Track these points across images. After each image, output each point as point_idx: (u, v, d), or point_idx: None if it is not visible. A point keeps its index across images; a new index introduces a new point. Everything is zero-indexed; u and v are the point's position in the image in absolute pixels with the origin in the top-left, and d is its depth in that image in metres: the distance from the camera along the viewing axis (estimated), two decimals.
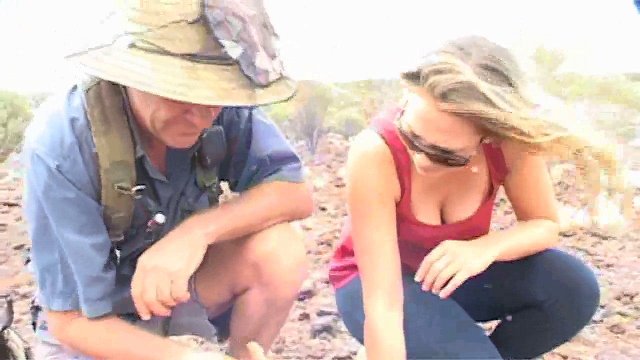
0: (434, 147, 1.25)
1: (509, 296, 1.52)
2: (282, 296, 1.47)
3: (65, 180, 1.18)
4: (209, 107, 1.13)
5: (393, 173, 1.44)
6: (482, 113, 1.15)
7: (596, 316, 2.51)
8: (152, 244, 1.34)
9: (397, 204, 1.50)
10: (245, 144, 1.46)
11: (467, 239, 1.54)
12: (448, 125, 1.20)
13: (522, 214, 1.58)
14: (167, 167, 1.38)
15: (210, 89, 0.98)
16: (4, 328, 1.81)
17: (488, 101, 1.15)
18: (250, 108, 1.10)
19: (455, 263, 1.35)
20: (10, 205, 5.66)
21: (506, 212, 4.80)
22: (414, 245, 1.56)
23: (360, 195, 1.45)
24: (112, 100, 1.23)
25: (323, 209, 5.02)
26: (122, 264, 1.37)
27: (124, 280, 1.36)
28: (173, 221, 1.44)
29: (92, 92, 1.22)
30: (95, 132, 1.21)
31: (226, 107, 1.39)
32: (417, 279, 1.39)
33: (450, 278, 1.34)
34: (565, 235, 4.05)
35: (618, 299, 2.81)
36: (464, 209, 1.54)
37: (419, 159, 1.31)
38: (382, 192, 1.44)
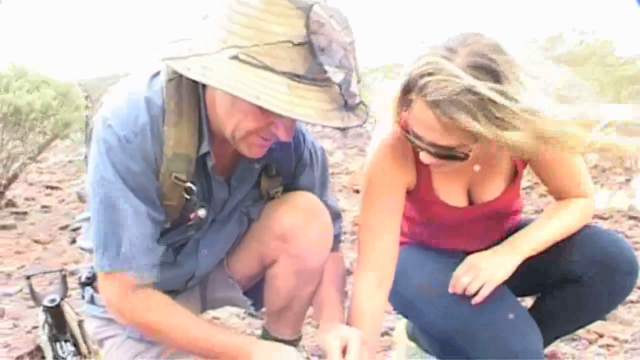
0: (433, 145, 1.31)
1: (548, 271, 1.54)
2: (310, 267, 1.52)
3: (132, 152, 1.24)
4: (293, 123, 1.21)
5: (408, 161, 1.49)
6: (466, 126, 1.20)
7: (633, 296, 2.51)
8: (192, 235, 1.44)
9: (418, 189, 1.56)
10: (310, 170, 1.56)
11: (495, 221, 1.57)
12: (442, 125, 1.25)
13: (556, 195, 1.60)
14: (235, 171, 1.44)
15: (312, 108, 1.06)
16: (61, 300, 1.92)
17: (472, 111, 1.19)
18: (342, 129, 1.16)
19: (480, 277, 1.44)
20: (52, 188, 5.84)
21: (541, 195, 4.77)
22: (443, 226, 1.60)
23: (371, 179, 1.53)
24: (190, 95, 1.29)
25: (357, 192, 5.06)
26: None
27: (161, 265, 1.41)
28: (229, 220, 1.51)
29: (173, 83, 1.27)
30: (167, 120, 1.27)
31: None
32: (450, 291, 1.48)
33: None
34: (602, 218, 4.02)
35: None
36: (490, 191, 1.58)
37: (422, 156, 1.38)
38: (393, 180, 1.51)
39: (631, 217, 4.02)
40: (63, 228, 4.11)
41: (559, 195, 1.58)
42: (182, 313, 1.33)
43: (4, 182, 4.38)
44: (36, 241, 3.76)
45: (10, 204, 4.69)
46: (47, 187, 5.89)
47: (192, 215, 1.39)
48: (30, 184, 6.10)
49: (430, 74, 1.22)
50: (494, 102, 1.18)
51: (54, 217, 4.53)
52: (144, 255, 1.31)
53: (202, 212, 1.39)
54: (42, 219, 4.44)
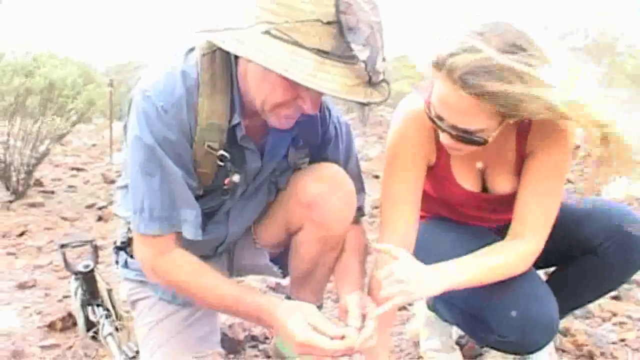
0: (454, 127, 1.35)
1: (564, 243, 1.57)
2: (333, 234, 1.59)
3: (168, 121, 1.32)
4: (319, 96, 1.26)
5: (430, 137, 1.52)
6: (502, 93, 1.22)
7: None
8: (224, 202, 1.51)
9: (437, 166, 1.60)
10: (335, 144, 1.62)
11: (506, 206, 1.58)
12: (467, 107, 1.29)
13: (517, 208, 1.51)
14: (266, 143, 1.50)
15: (337, 83, 1.12)
16: (94, 266, 2.01)
17: (507, 78, 1.21)
18: (365, 104, 1.20)
19: (398, 286, 1.33)
20: (78, 169, 5.98)
21: None
22: (456, 206, 1.65)
23: (395, 150, 1.56)
24: (223, 69, 1.37)
25: (376, 177, 5.12)
26: None
27: None
28: (259, 190, 1.59)
29: (207, 58, 1.35)
30: (202, 93, 1.35)
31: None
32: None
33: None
34: None
35: None
36: (503, 181, 1.60)
37: (442, 138, 1.42)
38: (415, 152, 1.55)
39: None
40: (89, 207, 4.23)
41: (518, 208, 1.51)
42: (211, 273, 1.41)
43: (33, 161, 4.50)
44: (64, 218, 3.89)
45: (38, 183, 4.83)
46: (73, 168, 6.05)
47: (226, 181, 1.46)
48: (56, 166, 6.25)
49: (460, 54, 1.25)
50: (524, 72, 1.21)
51: (79, 196, 4.66)
52: (189, 211, 1.39)
53: (236, 177, 1.47)
54: (69, 198, 4.57)
